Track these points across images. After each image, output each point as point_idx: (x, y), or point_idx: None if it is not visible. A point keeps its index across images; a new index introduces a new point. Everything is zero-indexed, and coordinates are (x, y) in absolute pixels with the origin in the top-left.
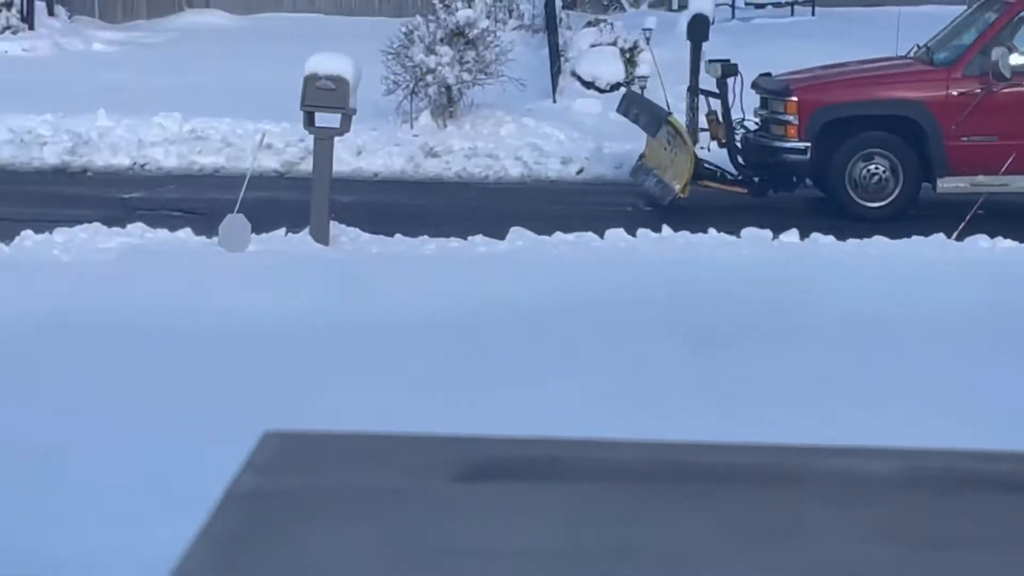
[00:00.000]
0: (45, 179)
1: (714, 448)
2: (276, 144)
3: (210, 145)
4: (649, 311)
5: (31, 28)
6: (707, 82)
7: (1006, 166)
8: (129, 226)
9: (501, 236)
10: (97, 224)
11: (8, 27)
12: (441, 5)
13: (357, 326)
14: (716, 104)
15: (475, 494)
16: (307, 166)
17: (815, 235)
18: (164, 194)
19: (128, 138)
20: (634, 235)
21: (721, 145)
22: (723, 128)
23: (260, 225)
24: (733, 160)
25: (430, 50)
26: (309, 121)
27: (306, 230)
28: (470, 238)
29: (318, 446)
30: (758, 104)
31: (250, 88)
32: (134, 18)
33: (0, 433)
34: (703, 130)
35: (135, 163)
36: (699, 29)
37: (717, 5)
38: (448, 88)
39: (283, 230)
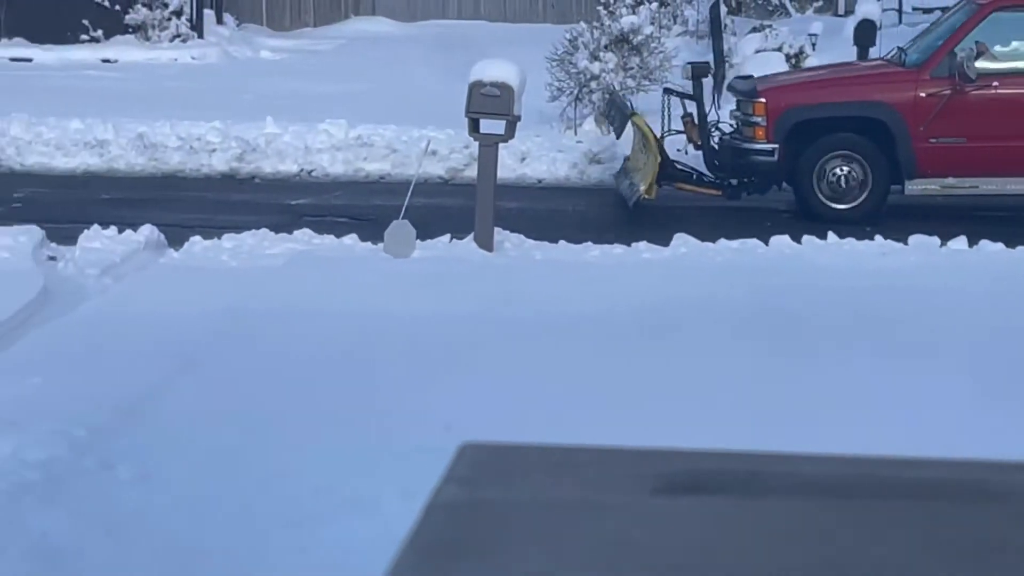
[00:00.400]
0: (213, 185)
1: (915, 463)
2: (441, 151)
3: (376, 152)
4: (818, 319)
5: (200, 36)
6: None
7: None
8: (296, 232)
9: (665, 242)
10: (265, 230)
11: (178, 35)
12: (606, 12)
13: (523, 332)
14: (693, 106)
15: (674, 508)
16: (472, 172)
17: (983, 242)
18: (330, 200)
19: (295, 144)
20: (799, 241)
21: (697, 147)
22: (697, 130)
23: (425, 231)
24: (708, 162)
25: (594, 56)
26: (474, 127)
27: (470, 236)
28: (634, 244)
29: (516, 458)
30: (734, 106)
31: (415, 95)
32: (301, 25)
33: (176, 434)
34: (677, 132)
35: (302, 169)
36: (866, 34)
37: (884, 10)
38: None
39: (448, 236)
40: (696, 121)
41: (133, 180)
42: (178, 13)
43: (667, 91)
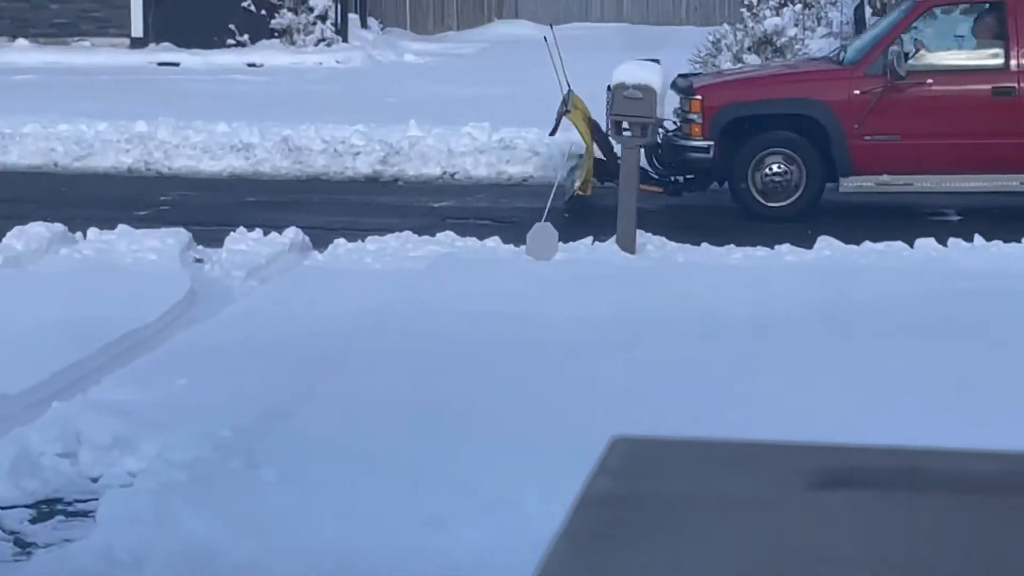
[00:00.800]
0: (357, 188)
1: None
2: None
3: (518, 154)
4: (1001, 323)
5: (344, 40)
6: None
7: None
8: (439, 234)
9: (809, 245)
10: (408, 232)
11: (323, 39)
12: (749, 14)
13: (669, 333)
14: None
15: (831, 502)
16: None
17: None
18: (473, 203)
19: (438, 147)
20: (945, 244)
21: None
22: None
23: (567, 233)
24: (649, 159)
25: (737, 58)
26: (616, 130)
27: (613, 238)
28: (776, 247)
29: (666, 451)
30: (678, 104)
31: (558, 98)
32: (444, 29)
33: (321, 435)
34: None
35: (445, 172)
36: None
37: None
38: None
39: (590, 238)
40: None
41: (278, 183)
42: (323, 17)
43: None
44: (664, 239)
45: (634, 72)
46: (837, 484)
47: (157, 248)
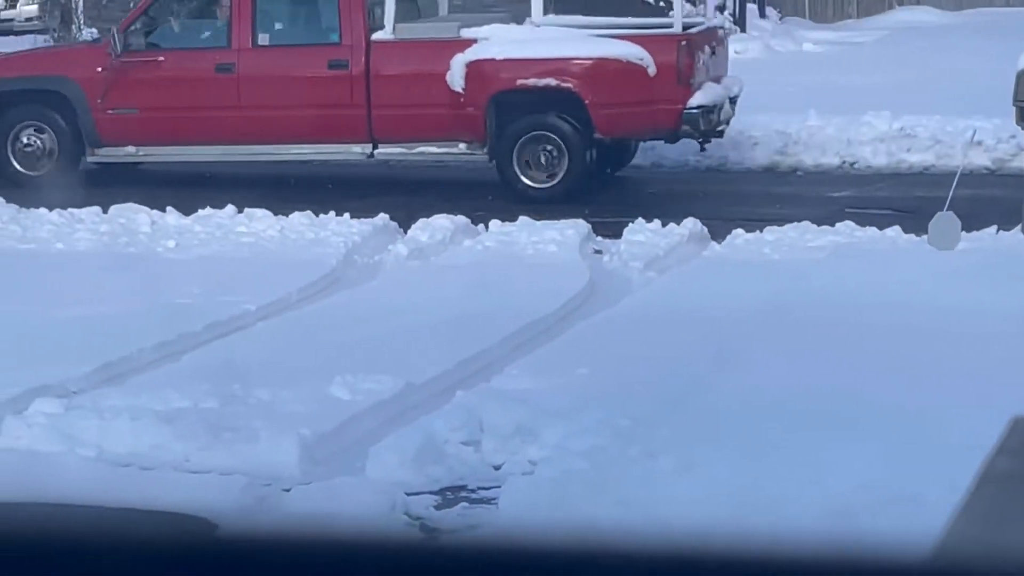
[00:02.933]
0: (755, 178)
1: None
2: (987, 141)
3: (919, 143)
4: None
5: (743, 30)
6: None
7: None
8: (838, 224)
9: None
10: (806, 222)
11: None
12: None
13: None
14: None
15: None
16: (1019, 163)
17: None
18: (873, 192)
19: (837, 137)
20: None
21: None
22: None
23: (970, 223)
24: None
25: None
26: (1021, 117)
27: (1018, 228)
28: None
29: None
30: None
31: (960, 85)
32: (844, 17)
33: (719, 425)
34: None
35: (844, 162)
36: None
37: None
38: None
39: (994, 228)
40: None
41: (678, 174)
42: (721, 8)
43: None
44: None
45: None
46: None
47: (557, 239)
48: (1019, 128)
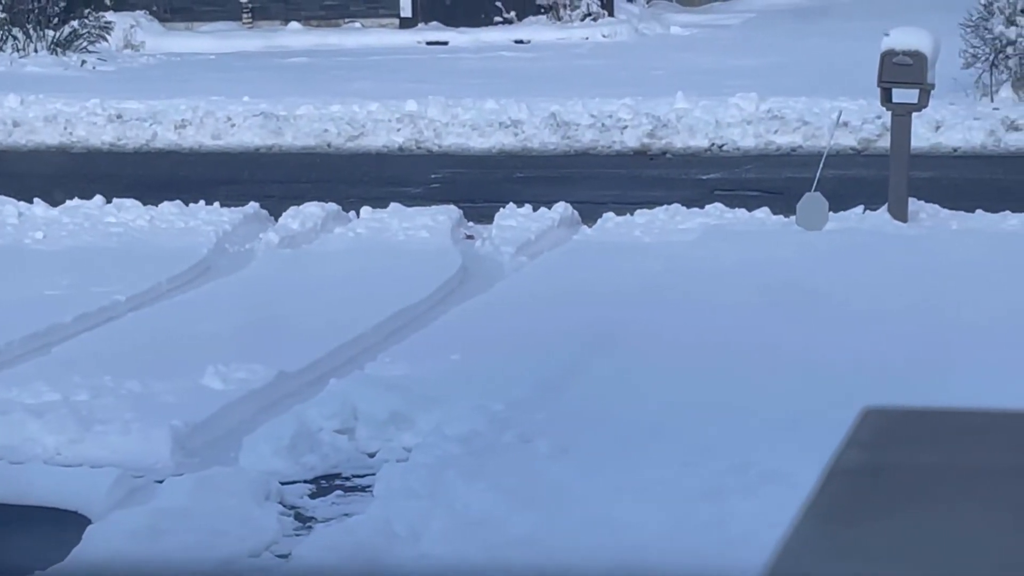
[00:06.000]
0: (625, 162)
1: None
2: (852, 122)
3: (787, 124)
4: None
5: (611, 15)
6: None
7: None
8: (708, 206)
9: None
10: (676, 205)
11: (589, 14)
12: None
13: (945, 304)
14: None
15: None
16: (884, 143)
17: None
18: (741, 174)
19: (705, 119)
20: None
21: None
22: None
23: (837, 203)
24: None
25: (1010, 21)
26: (886, 97)
27: (884, 207)
28: None
29: (920, 422)
30: None
31: (825, 66)
32: (710, 0)
33: (593, 409)
34: None
35: (712, 144)
36: None
37: None
38: None
39: (860, 208)
40: None
41: (546, 158)
42: None
43: None
44: (937, 207)
45: (904, 38)
46: None
47: (428, 226)
48: (884, 109)
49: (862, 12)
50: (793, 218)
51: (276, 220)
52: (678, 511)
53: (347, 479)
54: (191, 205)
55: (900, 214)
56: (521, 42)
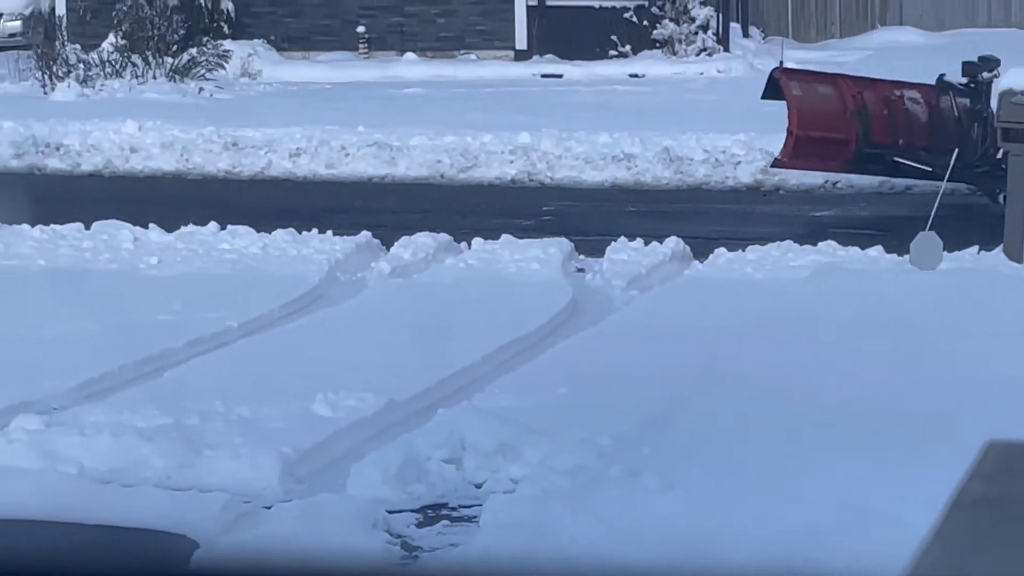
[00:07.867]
0: (738, 197)
1: None
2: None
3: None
4: None
5: (726, 49)
6: None
7: None
8: (821, 244)
9: None
10: (789, 242)
11: (704, 49)
12: None
13: None
14: None
15: None
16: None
17: None
18: (856, 211)
19: None
20: None
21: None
22: None
23: (952, 242)
24: None
25: None
26: (1004, 136)
27: (999, 247)
28: None
29: None
30: None
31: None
32: (827, 37)
33: (700, 444)
34: None
35: (827, 181)
36: None
37: None
38: None
39: (975, 248)
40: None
41: (658, 193)
42: (704, 27)
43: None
44: None
45: (1022, 78)
46: None
47: (540, 258)
48: (1003, 147)
49: (978, 51)
50: (907, 257)
51: (388, 250)
52: (782, 548)
53: (453, 509)
54: (304, 233)
55: (1016, 255)
56: (636, 76)
